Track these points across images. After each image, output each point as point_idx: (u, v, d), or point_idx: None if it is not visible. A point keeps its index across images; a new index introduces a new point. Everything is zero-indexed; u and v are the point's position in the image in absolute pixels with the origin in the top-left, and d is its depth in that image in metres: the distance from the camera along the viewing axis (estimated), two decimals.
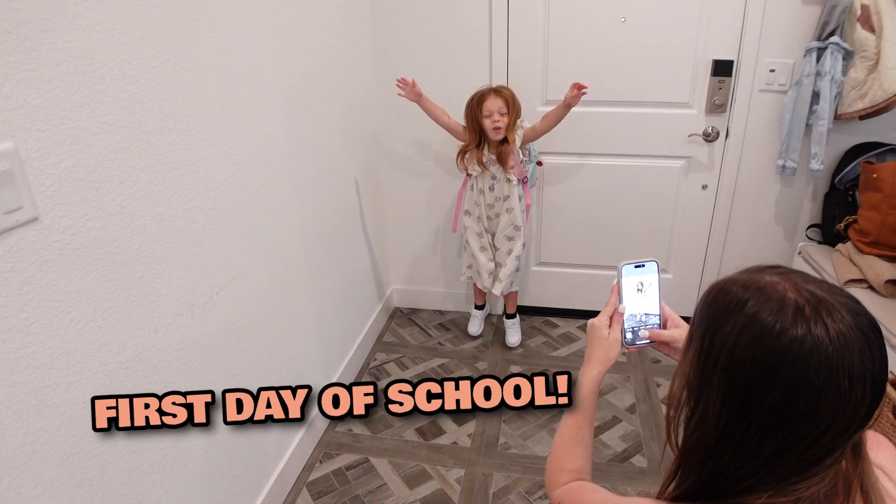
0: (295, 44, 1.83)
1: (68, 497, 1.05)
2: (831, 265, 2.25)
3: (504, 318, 2.77)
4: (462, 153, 2.37)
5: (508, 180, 2.37)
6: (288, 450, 1.91)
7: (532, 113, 2.55)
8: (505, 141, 2.29)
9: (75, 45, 1.01)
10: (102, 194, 1.09)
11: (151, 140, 1.20)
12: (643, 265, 0.95)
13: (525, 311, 2.97)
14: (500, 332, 2.83)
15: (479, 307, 2.82)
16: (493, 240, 2.52)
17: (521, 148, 2.34)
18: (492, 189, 2.41)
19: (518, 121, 2.30)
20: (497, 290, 2.52)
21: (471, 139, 2.32)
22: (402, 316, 3.02)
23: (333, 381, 2.27)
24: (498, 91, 2.24)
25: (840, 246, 2.30)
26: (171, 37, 1.25)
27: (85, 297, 1.06)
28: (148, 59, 1.18)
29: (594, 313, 0.98)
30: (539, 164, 2.54)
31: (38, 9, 0.93)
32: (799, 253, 2.51)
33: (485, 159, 2.34)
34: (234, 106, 1.50)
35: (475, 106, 2.25)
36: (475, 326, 2.80)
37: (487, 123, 2.24)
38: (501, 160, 2.31)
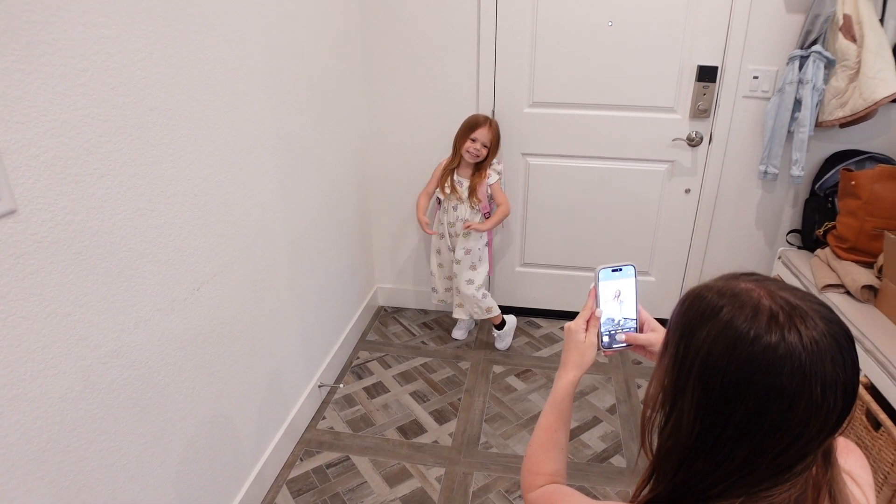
0: (282, 42, 1.82)
1: (42, 492, 1.04)
2: (810, 270, 2.29)
3: (493, 328, 2.72)
4: (446, 169, 2.49)
5: (472, 207, 2.48)
6: (268, 447, 1.90)
7: (519, 115, 2.56)
8: (478, 171, 2.44)
9: (57, 38, 1.00)
10: (83, 188, 1.08)
11: (134, 134, 1.20)
12: (620, 269, 0.96)
13: (508, 312, 2.97)
14: (483, 332, 2.84)
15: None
16: (454, 256, 2.60)
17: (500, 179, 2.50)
18: (455, 209, 2.51)
19: (498, 165, 2.48)
20: (457, 314, 2.64)
21: (452, 158, 2.48)
22: (387, 315, 3.02)
23: (315, 379, 2.26)
24: (490, 124, 2.40)
25: (819, 251, 2.34)
26: (155, 31, 1.24)
27: (63, 291, 1.05)
28: (132, 52, 1.17)
29: (577, 315, 0.99)
30: None
31: (20, 0, 0.93)
32: (779, 258, 2.55)
33: (455, 181, 2.47)
34: (219, 101, 1.50)
35: (465, 129, 2.40)
36: (460, 332, 2.81)
37: (468, 145, 2.39)
38: (471, 188, 2.45)
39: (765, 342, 0.57)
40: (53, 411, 1.05)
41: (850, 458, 0.71)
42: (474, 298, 2.56)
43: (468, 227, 2.48)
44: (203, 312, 1.49)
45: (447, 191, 2.48)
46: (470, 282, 2.55)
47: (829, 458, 0.63)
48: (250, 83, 1.65)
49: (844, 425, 0.59)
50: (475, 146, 2.37)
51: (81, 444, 1.13)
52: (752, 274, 0.65)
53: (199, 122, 1.42)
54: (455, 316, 2.66)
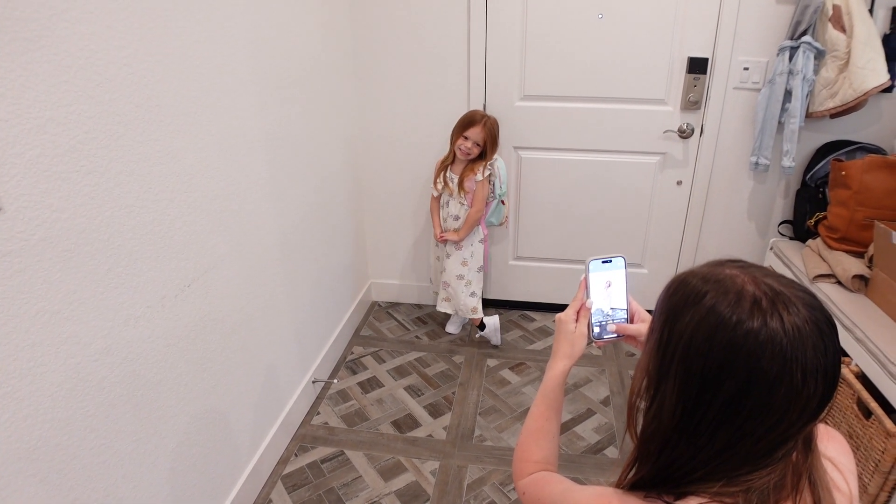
0: (270, 37, 1.82)
1: (33, 490, 1.04)
2: (802, 261, 2.29)
3: (477, 328, 2.68)
4: (442, 163, 2.49)
5: (461, 203, 2.47)
6: (262, 443, 1.90)
7: (510, 108, 2.56)
8: (470, 165, 2.42)
9: (40, 34, 0.99)
10: (69, 185, 1.07)
11: (120, 131, 1.19)
12: (610, 261, 0.96)
13: (502, 305, 2.99)
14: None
15: None
16: (445, 250, 2.59)
17: (486, 179, 2.44)
18: (447, 205, 2.51)
19: (492, 162, 2.43)
20: (442, 307, 2.62)
21: (447, 154, 2.48)
22: (380, 310, 3.02)
23: (309, 374, 2.27)
24: (485, 123, 2.35)
25: (810, 242, 2.35)
26: (141, 27, 1.23)
27: (52, 289, 1.05)
28: (116, 49, 1.17)
29: (568, 306, 0.99)
30: (503, 202, 2.62)
31: None
32: (771, 248, 2.56)
33: (447, 177, 2.47)
34: (207, 97, 1.49)
35: (459, 126, 2.38)
36: (454, 326, 2.81)
37: (460, 143, 2.38)
38: (460, 181, 2.44)
39: (746, 327, 0.58)
40: (44, 409, 1.05)
41: (832, 445, 0.72)
42: (462, 295, 2.56)
43: (443, 238, 2.50)
44: (194, 309, 1.49)
45: (440, 186, 2.48)
46: (460, 277, 2.54)
47: (809, 445, 0.63)
48: (239, 79, 1.65)
49: (825, 411, 0.59)
50: (467, 144, 2.35)
51: (73, 441, 1.12)
52: (737, 260, 0.66)
53: (187, 117, 1.41)
54: (439, 309, 2.64)
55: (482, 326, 2.64)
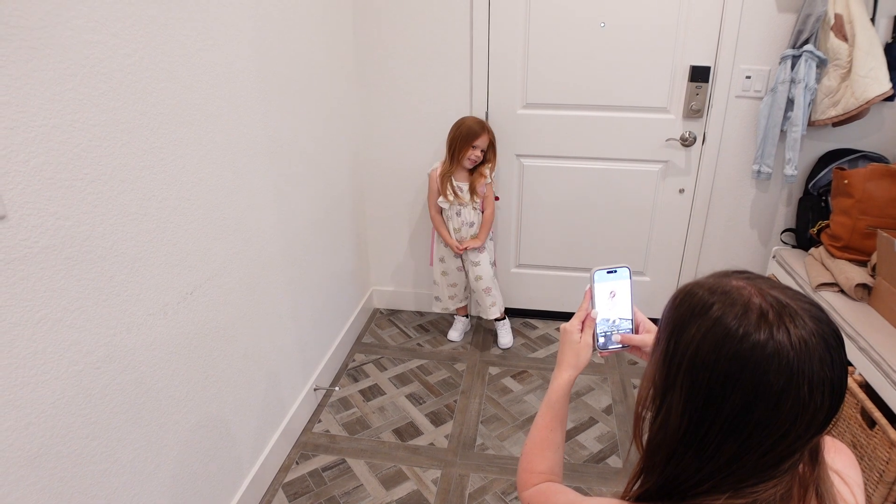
0: (273, 45, 1.82)
1: (34, 498, 1.04)
2: (804, 269, 2.29)
3: (495, 321, 2.74)
4: (444, 176, 2.47)
5: (474, 208, 2.50)
6: (264, 451, 1.90)
7: (512, 116, 2.57)
8: (474, 171, 2.46)
9: (45, 42, 1.00)
10: (73, 192, 1.07)
11: (124, 139, 1.19)
12: (615, 271, 0.96)
13: (504, 314, 2.98)
14: (479, 334, 2.84)
15: (463, 316, 2.83)
16: (463, 263, 2.63)
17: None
18: (458, 214, 2.52)
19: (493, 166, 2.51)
20: (493, 314, 2.65)
21: (449, 164, 2.46)
22: (382, 317, 3.02)
23: (311, 382, 2.26)
24: (486, 129, 2.41)
25: (813, 250, 2.34)
26: (145, 35, 1.24)
27: (54, 296, 1.05)
28: (121, 56, 1.17)
29: (573, 315, 0.99)
30: (496, 198, 2.64)
31: (6, 5, 0.92)
32: (773, 257, 2.55)
33: (455, 187, 2.47)
34: (211, 105, 1.49)
35: (464, 138, 2.38)
36: (456, 334, 2.81)
37: (469, 153, 2.39)
38: (472, 188, 2.46)
39: (753, 340, 0.58)
40: (45, 417, 1.05)
41: (839, 458, 0.72)
42: (499, 290, 2.64)
43: (464, 248, 2.52)
44: (196, 317, 1.49)
45: (451, 198, 2.48)
46: (495, 276, 2.62)
47: (815, 457, 0.63)
48: (243, 87, 1.65)
49: (831, 424, 0.59)
50: (476, 153, 2.40)
51: (74, 449, 1.12)
52: (744, 272, 0.66)
53: (191, 125, 1.42)
54: (492, 317, 2.67)
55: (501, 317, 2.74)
